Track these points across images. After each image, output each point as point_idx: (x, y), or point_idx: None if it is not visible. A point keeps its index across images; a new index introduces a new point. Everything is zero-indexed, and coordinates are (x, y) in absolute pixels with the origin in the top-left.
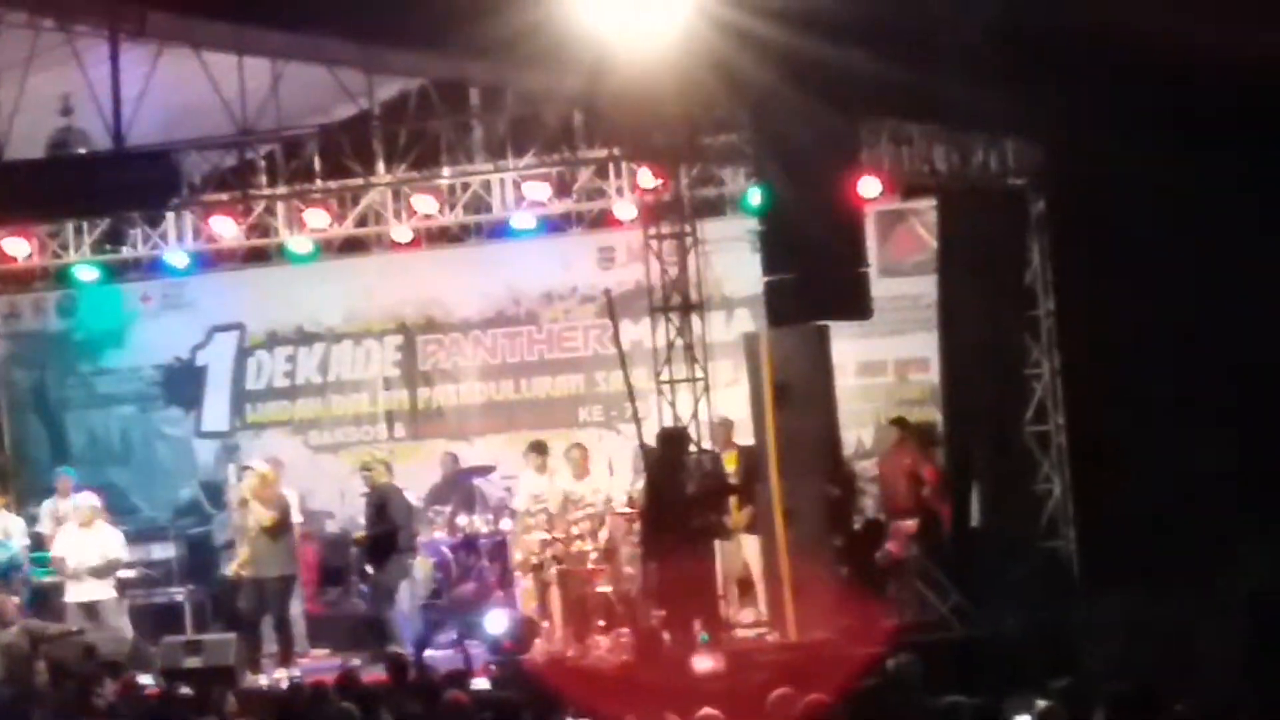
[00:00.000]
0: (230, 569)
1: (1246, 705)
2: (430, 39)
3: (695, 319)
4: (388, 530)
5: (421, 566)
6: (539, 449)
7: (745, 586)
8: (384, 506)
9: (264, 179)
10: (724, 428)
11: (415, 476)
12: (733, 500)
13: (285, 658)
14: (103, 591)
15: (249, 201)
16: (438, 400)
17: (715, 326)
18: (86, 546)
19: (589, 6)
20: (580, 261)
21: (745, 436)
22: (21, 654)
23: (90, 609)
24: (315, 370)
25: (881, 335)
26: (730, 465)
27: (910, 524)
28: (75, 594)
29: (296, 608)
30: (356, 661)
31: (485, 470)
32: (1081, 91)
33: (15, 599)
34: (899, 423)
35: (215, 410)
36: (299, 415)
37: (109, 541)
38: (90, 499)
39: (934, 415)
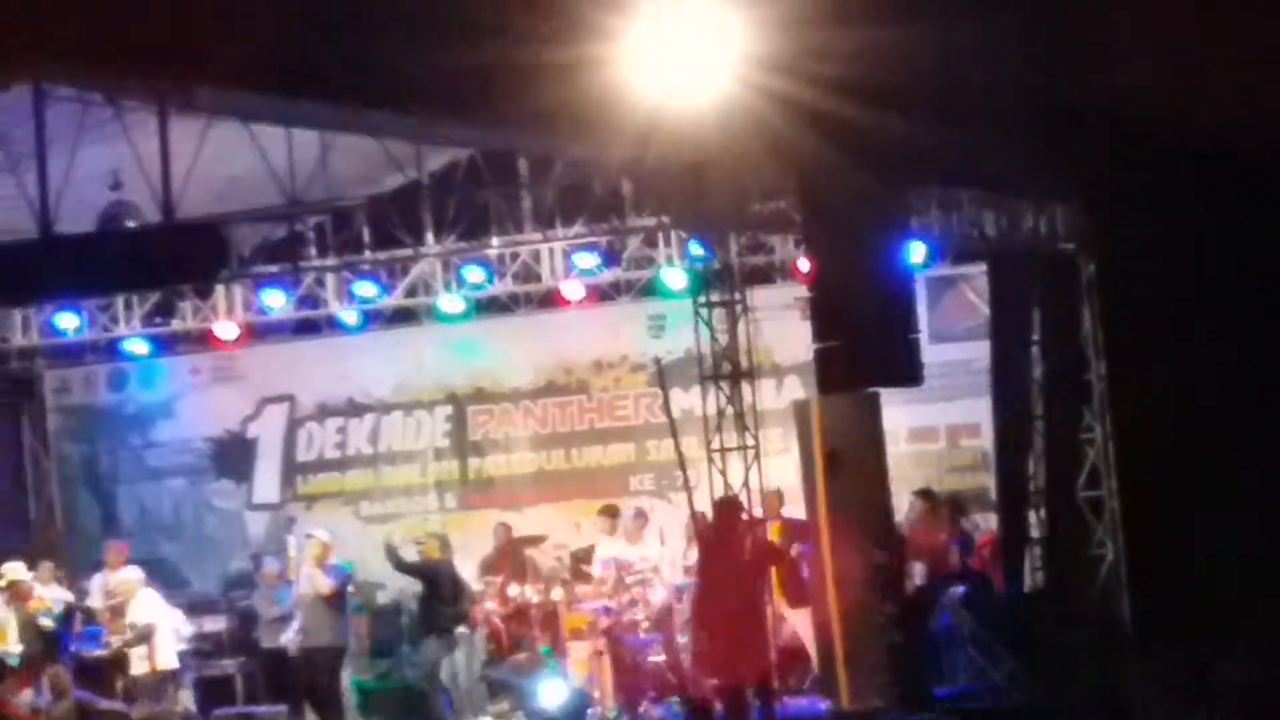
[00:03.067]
0: (292, 640)
1: None
2: (478, 108)
3: (745, 387)
4: (428, 607)
5: (475, 637)
6: (610, 512)
7: (797, 654)
8: (432, 582)
9: (313, 250)
10: (775, 497)
11: (467, 547)
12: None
13: None
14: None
15: (298, 273)
16: (488, 470)
17: (766, 394)
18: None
19: (636, 75)
20: (630, 330)
21: (796, 503)
22: None
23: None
24: (366, 441)
25: (933, 401)
26: (774, 536)
27: (961, 589)
28: (151, 665)
29: (346, 678)
30: None
31: (537, 540)
32: (1129, 156)
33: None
34: (924, 494)
35: (266, 482)
36: (350, 486)
37: (143, 611)
38: (129, 573)
39: (985, 481)
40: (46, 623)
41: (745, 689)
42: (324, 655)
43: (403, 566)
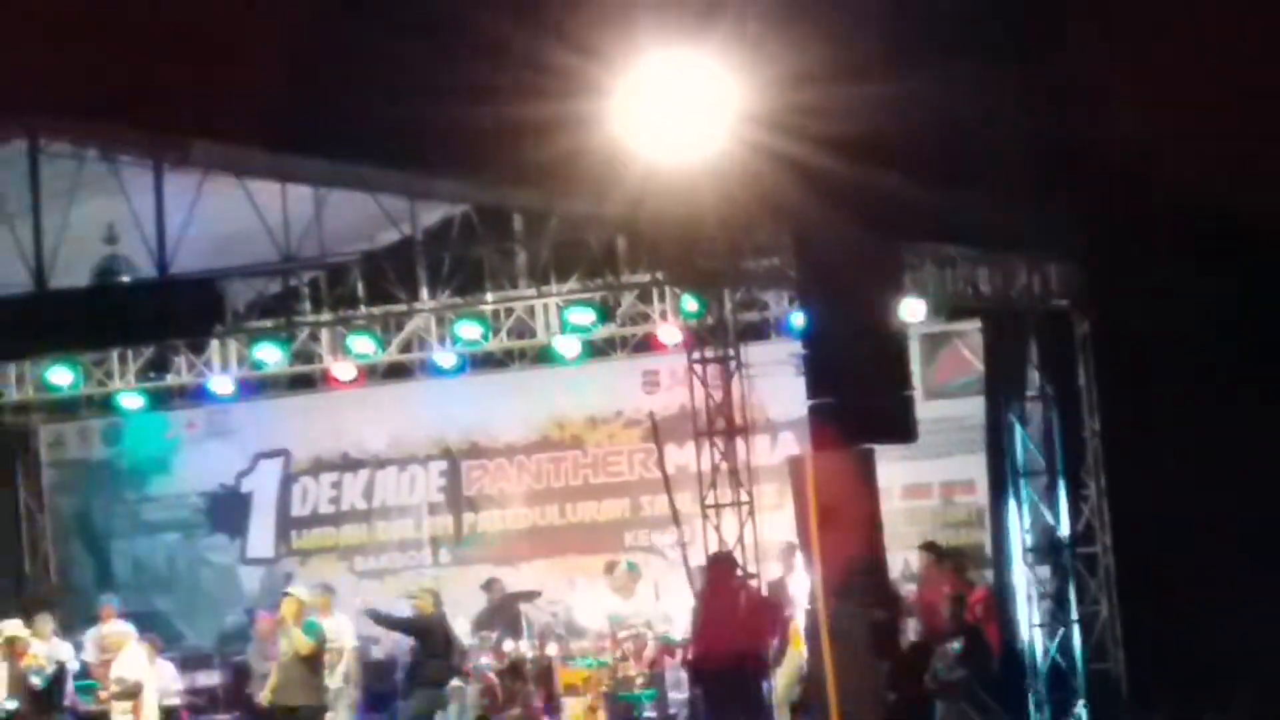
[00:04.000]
0: (262, 696)
1: None
2: (472, 165)
3: (740, 443)
4: (419, 661)
5: (469, 692)
6: (611, 569)
7: (796, 710)
8: (423, 637)
9: (308, 305)
10: (789, 551)
11: (460, 602)
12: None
13: None
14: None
15: (293, 328)
16: (482, 525)
17: (760, 450)
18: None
19: (631, 132)
20: (624, 386)
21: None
22: None
23: None
24: (360, 496)
25: (927, 458)
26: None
27: (955, 646)
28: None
29: None
30: None
31: (531, 595)
32: (1123, 213)
33: None
34: (930, 548)
35: (260, 537)
36: (344, 541)
37: (130, 666)
38: (120, 627)
39: (980, 537)
40: (36, 681)
41: None
42: (305, 714)
43: (391, 623)
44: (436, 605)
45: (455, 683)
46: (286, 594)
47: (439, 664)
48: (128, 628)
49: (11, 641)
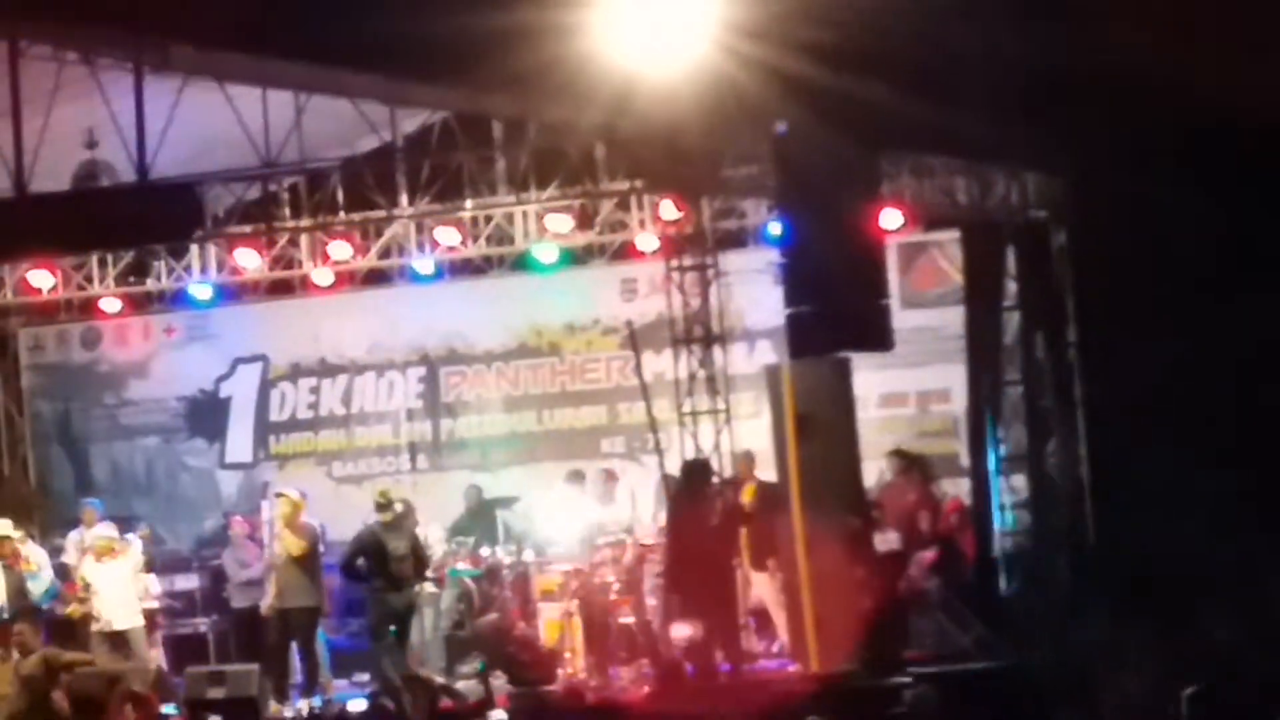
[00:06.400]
0: (264, 604)
1: None
2: (453, 72)
3: (717, 351)
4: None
5: (445, 597)
6: (577, 477)
7: (767, 617)
8: (367, 554)
9: (287, 211)
10: (746, 460)
11: (438, 508)
12: (744, 532)
13: (310, 687)
14: (130, 621)
15: (272, 234)
16: (460, 432)
17: (737, 358)
18: (106, 578)
19: (611, 40)
20: (602, 293)
21: (767, 468)
22: (41, 683)
23: (117, 639)
24: (338, 402)
25: (903, 367)
26: (747, 498)
27: (930, 554)
28: (105, 624)
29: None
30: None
31: (508, 501)
32: (1101, 125)
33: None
34: (898, 454)
35: (239, 442)
36: (322, 447)
37: (131, 560)
38: (106, 530)
39: (954, 447)
40: (34, 589)
41: (714, 651)
42: (299, 615)
43: (350, 568)
44: (395, 512)
45: (430, 588)
46: (280, 494)
47: (389, 575)
48: (111, 531)
49: (2, 542)
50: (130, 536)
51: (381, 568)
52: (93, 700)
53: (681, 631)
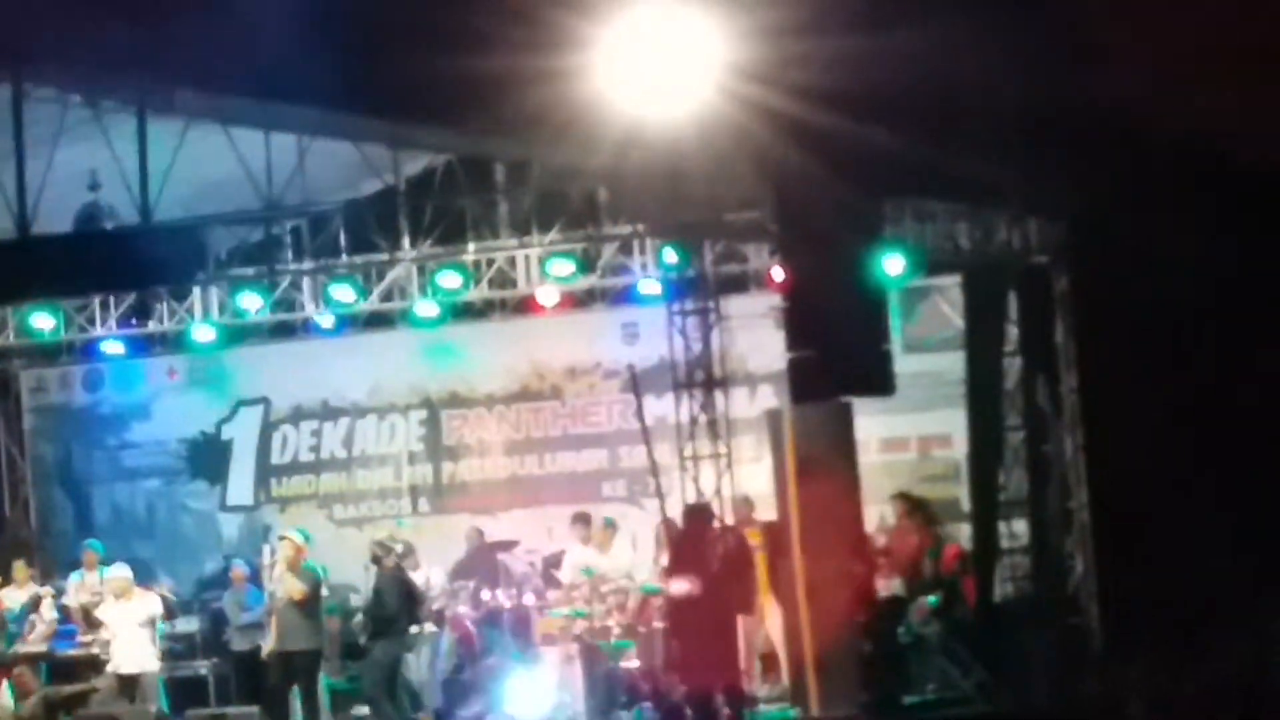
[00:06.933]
0: (265, 647)
1: None
2: (456, 115)
3: (718, 395)
4: (379, 615)
5: (444, 640)
6: (583, 520)
7: (769, 661)
8: (379, 594)
9: (290, 254)
10: (745, 505)
11: (439, 551)
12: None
13: None
14: (146, 663)
15: (275, 276)
16: (461, 475)
17: (738, 402)
18: (122, 619)
19: (614, 84)
20: (604, 337)
21: (767, 512)
22: None
23: (126, 682)
24: (340, 445)
25: (905, 411)
26: (754, 539)
27: (930, 600)
28: (117, 665)
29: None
30: None
31: (509, 545)
32: (1103, 169)
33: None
34: (902, 498)
35: (240, 484)
36: (323, 489)
37: (149, 607)
38: (123, 570)
39: (956, 491)
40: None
41: (715, 695)
42: (301, 658)
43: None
44: (401, 557)
45: (430, 628)
46: (283, 537)
47: (398, 616)
48: (126, 571)
49: None
50: (155, 591)
51: (395, 615)
52: None
53: (680, 587)
